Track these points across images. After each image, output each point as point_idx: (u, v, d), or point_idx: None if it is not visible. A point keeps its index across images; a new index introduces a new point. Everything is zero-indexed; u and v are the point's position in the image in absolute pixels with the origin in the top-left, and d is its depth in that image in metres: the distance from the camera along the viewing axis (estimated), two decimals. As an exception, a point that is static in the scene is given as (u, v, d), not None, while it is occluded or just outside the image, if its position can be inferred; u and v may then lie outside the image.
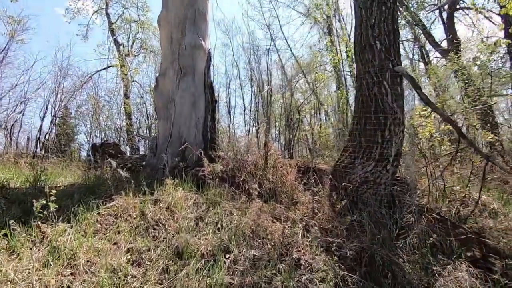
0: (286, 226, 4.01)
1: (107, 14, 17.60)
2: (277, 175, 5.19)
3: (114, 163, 6.11)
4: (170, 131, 5.84)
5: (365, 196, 3.84)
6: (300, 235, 3.78)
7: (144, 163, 6.31)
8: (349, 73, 11.16)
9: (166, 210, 3.90)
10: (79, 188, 4.40)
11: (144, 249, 3.04)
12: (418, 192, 4.18)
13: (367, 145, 3.94)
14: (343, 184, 3.84)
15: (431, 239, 3.43)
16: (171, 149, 5.73)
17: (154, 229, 3.50)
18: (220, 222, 3.85)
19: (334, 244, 3.61)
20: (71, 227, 3.10)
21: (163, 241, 3.21)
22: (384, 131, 3.89)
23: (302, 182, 5.25)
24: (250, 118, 11.14)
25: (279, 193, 4.98)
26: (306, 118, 10.89)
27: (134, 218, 3.59)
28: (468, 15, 12.25)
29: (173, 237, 3.23)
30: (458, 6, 12.51)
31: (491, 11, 11.42)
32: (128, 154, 11.15)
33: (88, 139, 11.93)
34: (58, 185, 4.67)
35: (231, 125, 11.85)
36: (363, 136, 4.03)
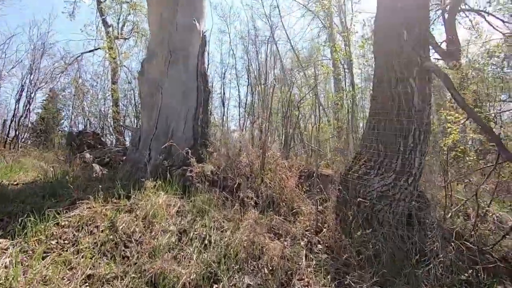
0: (286, 245, 3.39)
1: (97, -9, 16.39)
2: (276, 180, 4.56)
3: (88, 156, 5.37)
4: (156, 123, 5.12)
5: (381, 214, 3.24)
6: (303, 257, 3.17)
7: (124, 157, 5.58)
8: (347, 70, 10.55)
9: (142, 221, 3.22)
10: (40, 187, 3.67)
11: (108, 276, 2.38)
12: (440, 211, 3.62)
13: (386, 153, 3.32)
14: (358, 199, 3.23)
15: (460, 272, 2.88)
16: (155, 144, 5.02)
17: (126, 246, 2.83)
18: (207, 237, 3.21)
19: (342, 271, 3.03)
20: (14, 245, 2.40)
21: (134, 265, 2.55)
22: (407, 138, 3.29)
23: (304, 189, 4.65)
24: (245, 111, 10.42)
25: (278, 201, 4.36)
26: (304, 115, 10.27)
27: (102, 232, 2.90)
28: (468, 17, 11.71)
29: (148, 261, 2.56)
30: (459, 8, 11.97)
31: (493, 14, 10.90)
32: (112, 145, 10.35)
33: (70, 126, 11.05)
34: (16, 182, 3.93)
35: (225, 117, 11.12)
36: (381, 142, 3.41)
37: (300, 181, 4.72)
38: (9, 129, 8.55)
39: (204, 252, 2.96)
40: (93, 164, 4.88)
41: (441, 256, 2.98)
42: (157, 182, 4.12)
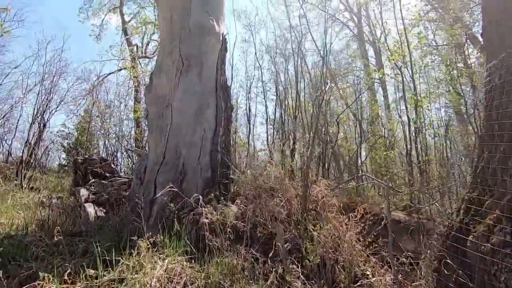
0: None
1: (121, 13, 16.41)
2: (326, 230, 3.19)
3: (83, 193, 4.34)
4: (164, 150, 3.99)
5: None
6: None
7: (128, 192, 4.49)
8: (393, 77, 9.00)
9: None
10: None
11: None
12: None
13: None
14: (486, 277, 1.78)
15: None
16: (162, 177, 3.88)
17: None
18: None
19: None
20: None
21: None
22: None
23: (366, 242, 3.23)
24: (274, 128, 9.16)
25: (331, 262, 2.98)
26: (345, 133, 8.79)
27: None
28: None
29: None
30: None
31: None
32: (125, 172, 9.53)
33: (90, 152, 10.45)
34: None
35: (251, 135, 9.92)
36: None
37: (358, 227, 3.30)
38: (23, 153, 8.03)
39: None
40: (86, 205, 3.84)
41: None
42: (159, 236, 2.93)
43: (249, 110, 9.73)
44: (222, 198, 3.79)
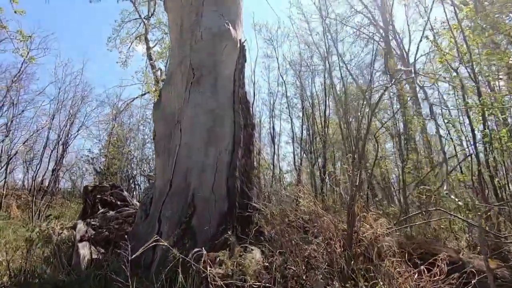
0: None
1: (146, 39, 16.83)
2: (385, 283, 2.26)
3: (80, 229, 3.72)
4: (171, 177, 3.31)
5: None
6: None
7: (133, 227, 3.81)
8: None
9: None
10: None
11: None
12: None
13: None
14: None
15: None
16: (169, 210, 3.17)
17: None
18: None
19: None
20: None
21: None
22: None
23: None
24: (301, 148, 8.27)
25: None
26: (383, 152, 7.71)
27: None
28: None
29: None
30: None
31: None
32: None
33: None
34: None
35: (276, 156, 9.11)
36: None
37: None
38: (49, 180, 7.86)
39: None
40: (80, 245, 3.20)
41: None
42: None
43: (273, 128, 8.98)
44: (242, 235, 3.00)
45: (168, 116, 3.75)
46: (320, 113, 8.18)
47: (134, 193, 8.95)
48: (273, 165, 9.01)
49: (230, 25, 3.74)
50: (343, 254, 2.58)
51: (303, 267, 2.52)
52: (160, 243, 2.91)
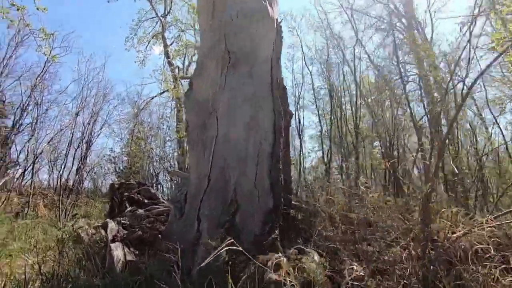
0: None
1: (163, 37, 16.76)
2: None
3: (112, 228, 3.47)
4: (208, 172, 2.99)
5: None
6: None
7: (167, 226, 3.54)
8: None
9: None
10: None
11: None
12: None
13: None
14: None
15: None
16: (208, 208, 2.86)
17: None
18: None
19: None
20: None
21: None
22: None
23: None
24: (332, 142, 7.71)
25: None
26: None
27: None
28: None
29: None
30: None
31: None
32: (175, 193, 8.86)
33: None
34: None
35: (302, 152, 8.68)
36: None
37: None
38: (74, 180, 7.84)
39: None
40: (113, 246, 2.96)
41: None
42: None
43: (299, 122, 8.54)
44: (295, 232, 2.66)
45: (201, 105, 3.44)
46: (350, 105, 7.69)
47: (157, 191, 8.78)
48: (300, 162, 8.59)
49: (267, 1, 3.38)
50: (417, 257, 2.17)
51: (374, 273, 2.13)
52: (203, 243, 2.62)
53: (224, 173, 2.92)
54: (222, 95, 3.19)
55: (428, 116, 7.10)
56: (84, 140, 8.59)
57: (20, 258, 3.06)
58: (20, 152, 9.32)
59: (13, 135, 8.70)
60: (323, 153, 7.94)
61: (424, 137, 6.62)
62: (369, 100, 8.16)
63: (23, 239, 3.99)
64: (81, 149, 8.89)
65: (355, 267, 2.08)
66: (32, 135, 9.06)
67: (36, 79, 8.80)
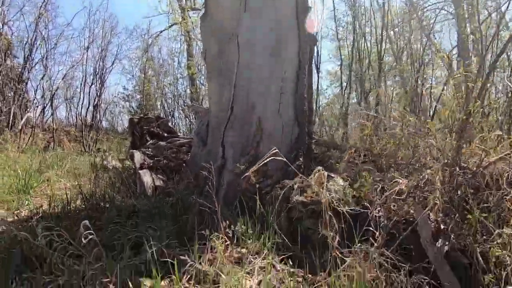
0: None
1: (168, -37, 15.10)
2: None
3: (138, 158, 3.61)
4: (231, 102, 2.92)
5: None
6: None
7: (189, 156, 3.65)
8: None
9: None
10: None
11: None
12: None
13: None
14: None
15: None
16: (232, 136, 2.87)
17: None
18: None
19: None
20: None
21: None
22: None
23: None
24: (349, 80, 7.19)
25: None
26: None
27: None
28: None
29: None
30: None
31: None
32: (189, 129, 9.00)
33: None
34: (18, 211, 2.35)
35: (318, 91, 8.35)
36: None
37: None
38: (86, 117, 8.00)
39: None
40: (141, 172, 3.10)
41: None
42: (238, 219, 2.02)
43: (317, 54, 7.96)
44: (321, 161, 2.69)
45: (219, 28, 3.20)
46: (375, 32, 7.04)
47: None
48: (317, 99, 8.30)
49: None
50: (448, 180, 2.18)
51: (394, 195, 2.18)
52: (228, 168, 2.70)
53: (247, 101, 2.85)
54: (243, 18, 2.93)
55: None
56: (97, 75, 8.48)
57: (58, 182, 3.29)
58: (36, 90, 9.39)
59: (27, 71, 8.63)
60: (341, 87, 7.61)
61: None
62: (395, 29, 7.49)
63: (56, 168, 4.24)
64: (96, 85, 8.84)
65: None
66: (45, 72, 8.99)
67: (40, 9, 8.33)
